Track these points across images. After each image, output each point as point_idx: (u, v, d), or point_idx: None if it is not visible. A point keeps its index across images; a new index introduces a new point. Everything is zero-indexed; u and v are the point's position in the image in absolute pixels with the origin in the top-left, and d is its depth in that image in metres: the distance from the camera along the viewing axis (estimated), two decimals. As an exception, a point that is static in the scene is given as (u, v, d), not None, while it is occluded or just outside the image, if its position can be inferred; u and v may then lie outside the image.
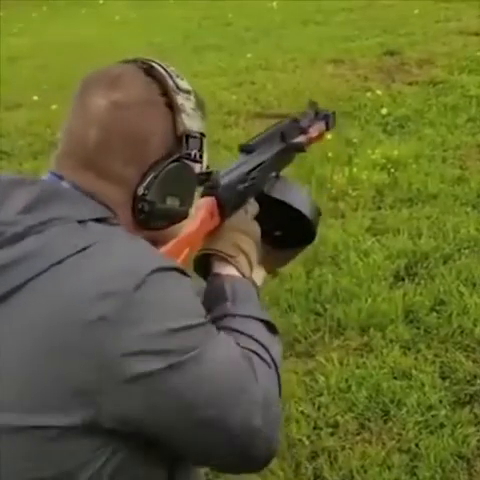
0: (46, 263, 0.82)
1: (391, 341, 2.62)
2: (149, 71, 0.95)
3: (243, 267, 1.06)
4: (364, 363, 2.51)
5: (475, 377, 2.39)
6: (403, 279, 3.03)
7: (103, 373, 0.80)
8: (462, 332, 2.63)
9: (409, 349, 2.58)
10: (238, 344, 0.92)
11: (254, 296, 1.03)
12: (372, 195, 3.87)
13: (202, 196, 1.07)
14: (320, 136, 1.30)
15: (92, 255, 0.83)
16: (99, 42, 8.87)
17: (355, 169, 4.13)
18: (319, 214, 1.18)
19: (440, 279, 2.98)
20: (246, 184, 1.11)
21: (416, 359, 2.52)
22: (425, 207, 3.67)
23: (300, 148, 1.22)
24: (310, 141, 1.27)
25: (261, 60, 7.17)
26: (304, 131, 1.25)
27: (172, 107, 0.94)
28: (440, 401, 2.31)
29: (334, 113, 1.32)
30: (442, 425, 2.23)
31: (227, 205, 1.08)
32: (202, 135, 0.98)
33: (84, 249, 0.84)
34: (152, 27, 9.66)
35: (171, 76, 0.96)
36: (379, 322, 2.72)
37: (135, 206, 0.93)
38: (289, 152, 1.22)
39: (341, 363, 2.52)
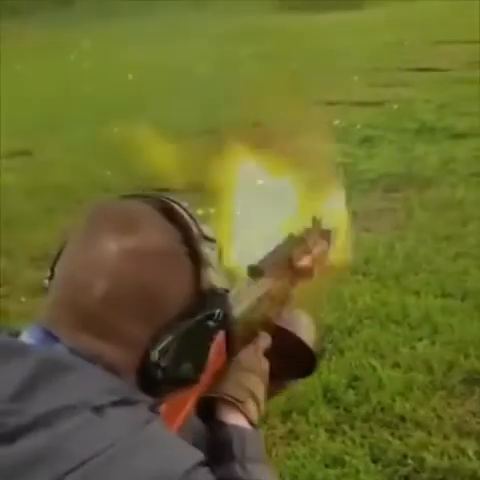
0: (61, 469, 0.68)
1: (315, 425, 2.55)
2: (169, 214, 0.82)
3: (251, 414, 0.95)
4: (293, 452, 2.42)
5: (405, 457, 2.37)
6: (313, 356, 3.00)
7: None
8: (382, 409, 2.62)
9: (334, 432, 2.53)
10: None
11: (261, 451, 0.93)
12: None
13: None
14: (324, 256, 1.23)
15: (114, 459, 0.69)
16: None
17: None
18: (322, 348, 1.12)
19: (349, 353, 2.96)
20: (256, 314, 1.01)
21: (344, 442, 2.46)
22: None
23: (307, 275, 1.16)
24: (316, 262, 1.21)
25: (129, 133, 7.11)
26: (309, 251, 1.19)
27: (196, 259, 0.81)
28: (376, 486, 2.27)
29: (334, 230, 1.27)
30: (381, 511, 2.19)
31: (237, 340, 0.95)
32: (226, 292, 0.86)
33: (104, 450, 0.69)
34: (11, 104, 9.35)
35: (195, 221, 0.83)
36: (300, 405, 2.64)
37: (145, 372, 0.78)
38: (296, 277, 1.15)
39: (270, 454, 2.41)
